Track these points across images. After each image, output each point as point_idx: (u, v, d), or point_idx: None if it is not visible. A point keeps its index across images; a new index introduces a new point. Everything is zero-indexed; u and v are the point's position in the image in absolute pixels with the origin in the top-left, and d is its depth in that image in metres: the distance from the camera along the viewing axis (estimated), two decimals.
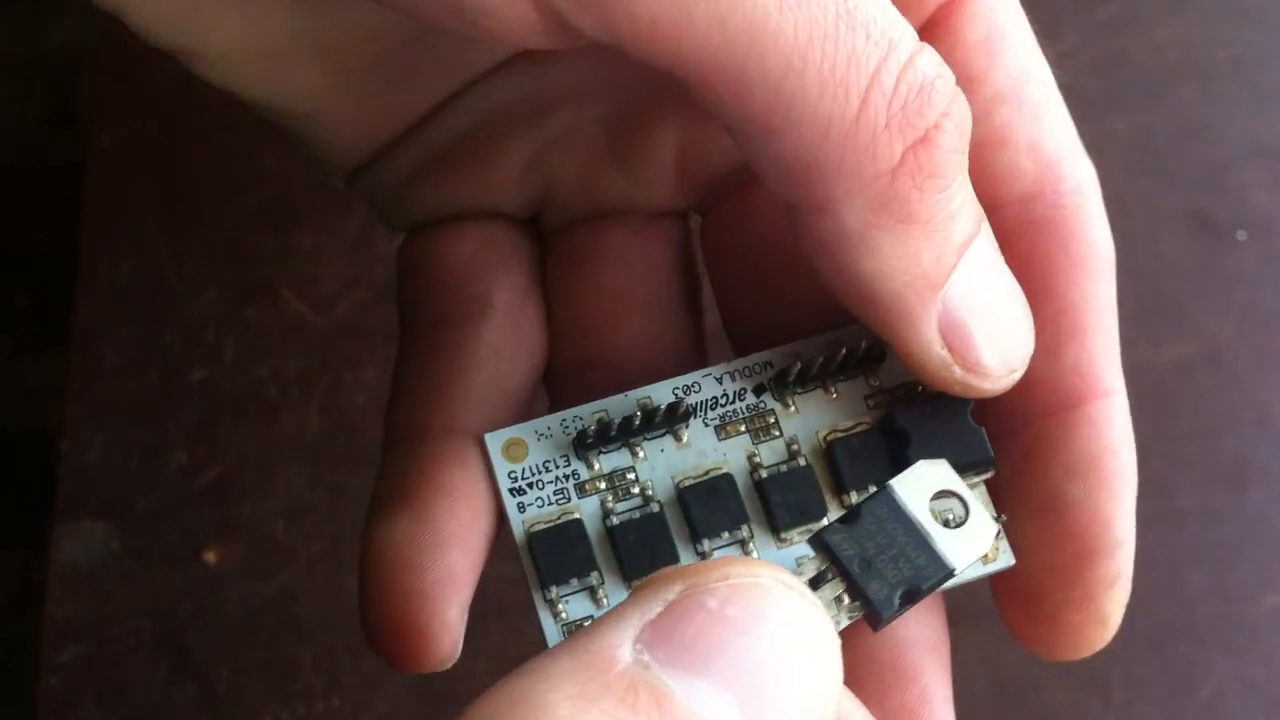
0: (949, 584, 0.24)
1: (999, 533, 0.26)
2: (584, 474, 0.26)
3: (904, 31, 0.23)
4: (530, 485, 0.26)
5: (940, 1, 0.26)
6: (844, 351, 0.26)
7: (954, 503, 0.24)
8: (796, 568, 0.23)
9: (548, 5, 0.22)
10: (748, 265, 0.29)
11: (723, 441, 0.26)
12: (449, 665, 0.25)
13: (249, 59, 0.26)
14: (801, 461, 0.26)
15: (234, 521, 0.42)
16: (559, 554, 0.25)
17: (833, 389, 0.26)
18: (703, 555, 0.25)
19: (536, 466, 0.26)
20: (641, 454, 0.26)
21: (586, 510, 0.25)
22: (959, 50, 0.24)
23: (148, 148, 0.47)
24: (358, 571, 0.26)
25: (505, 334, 0.28)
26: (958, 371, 0.24)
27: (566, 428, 0.26)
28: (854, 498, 0.26)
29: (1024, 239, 0.26)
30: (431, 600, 0.25)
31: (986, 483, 0.26)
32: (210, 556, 0.42)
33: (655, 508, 0.25)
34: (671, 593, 0.19)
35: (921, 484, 0.24)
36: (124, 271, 0.45)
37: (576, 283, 0.29)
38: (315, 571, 0.41)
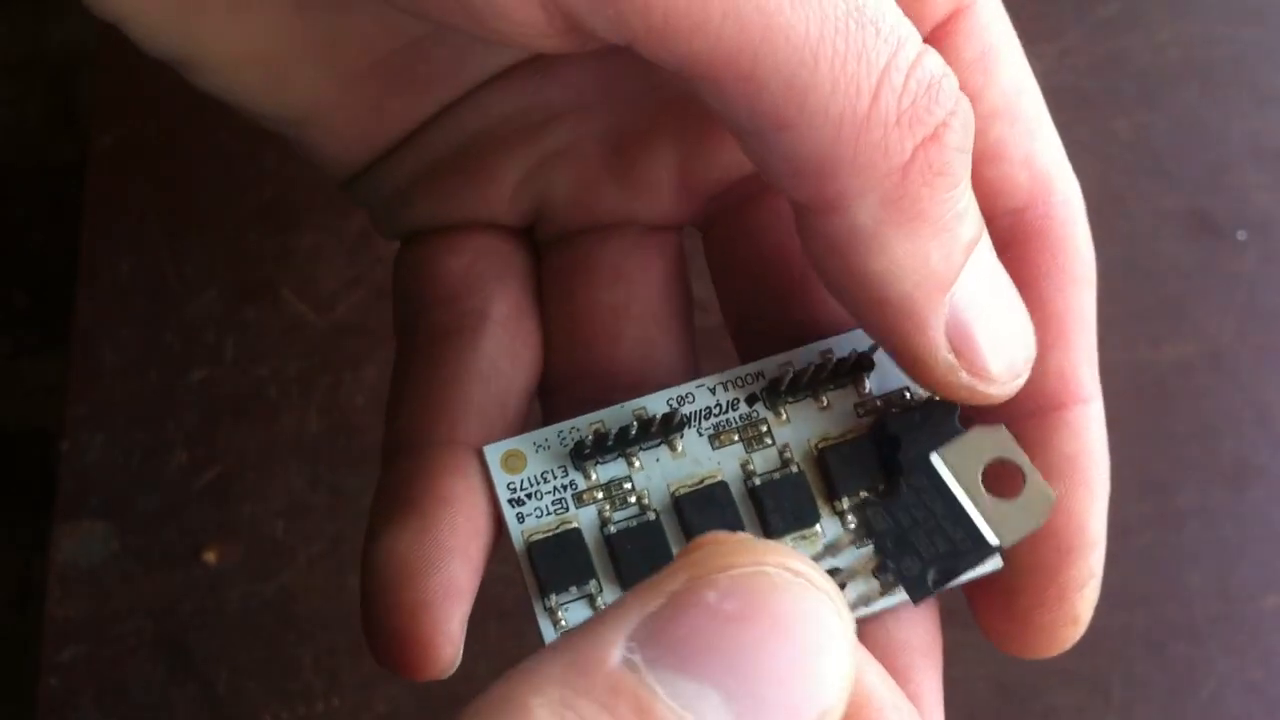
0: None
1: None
2: (581, 484, 0.26)
3: (910, 30, 0.23)
4: (529, 496, 0.26)
5: (936, 20, 0.27)
6: (834, 360, 0.26)
7: (1010, 471, 0.24)
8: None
9: (557, 3, 0.22)
10: (753, 279, 0.29)
11: (717, 450, 0.26)
12: (450, 674, 0.25)
13: (247, 67, 0.26)
14: (794, 469, 0.26)
15: (234, 521, 0.42)
16: (558, 563, 0.25)
17: (823, 397, 0.27)
18: None
19: (535, 477, 0.26)
20: (638, 464, 0.26)
21: (584, 519, 0.26)
22: (955, 67, 0.25)
23: (148, 148, 0.47)
24: (360, 581, 0.26)
25: (503, 346, 0.28)
26: (964, 376, 0.24)
27: (564, 439, 0.26)
28: (846, 504, 0.26)
29: (1014, 248, 0.26)
30: (433, 611, 0.25)
31: None
32: (210, 556, 0.42)
33: (652, 516, 0.26)
34: (675, 584, 0.19)
35: (974, 452, 0.23)
36: (124, 271, 0.45)
37: (572, 295, 0.29)
38: (315, 571, 0.41)
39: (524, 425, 0.27)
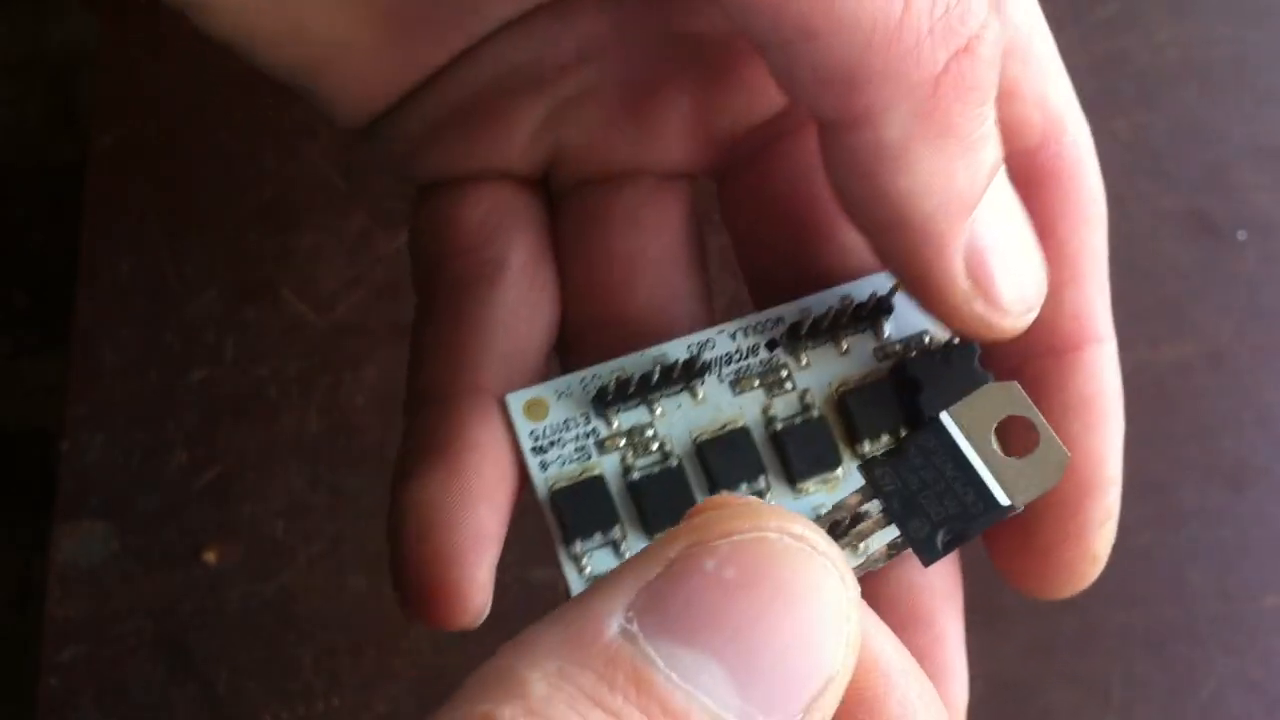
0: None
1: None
2: (604, 431, 0.26)
3: None
4: (552, 444, 0.26)
5: None
6: (853, 305, 0.26)
7: (1024, 429, 0.23)
8: (815, 514, 0.23)
9: None
10: (770, 227, 0.29)
11: (738, 396, 0.27)
12: (479, 623, 0.25)
13: (261, 9, 0.26)
14: (815, 413, 0.26)
15: (234, 521, 0.42)
16: (582, 509, 0.25)
17: (843, 342, 0.27)
18: None
19: (557, 425, 0.26)
20: (659, 410, 0.26)
21: (607, 467, 0.26)
22: None
23: (148, 148, 0.47)
24: (387, 531, 0.26)
25: (522, 295, 0.28)
26: (979, 305, 0.24)
27: (586, 386, 0.26)
28: (868, 447, 0.26)
29: (1028, 188, 0.26)
30: (463, 558, 0.25)
31: None
32: (210, 556, 0.42)
33: (674, 462, 0.26)
34: (673, 551, 0.19)
35: (986, 409, 0.23)
36: (124, 271, 0.45)
37: (588, 244, 0.29)
38: (315, 571, 0.41)
39: (544, 375, 0.27)
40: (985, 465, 0.23)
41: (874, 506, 0.23)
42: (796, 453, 0.26)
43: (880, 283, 0.27)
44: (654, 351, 0.27)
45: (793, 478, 0.26)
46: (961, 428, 0.23)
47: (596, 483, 0.26)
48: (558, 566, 0.25)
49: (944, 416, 0.23)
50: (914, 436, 0.23)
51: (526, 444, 0.26)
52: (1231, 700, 0.40)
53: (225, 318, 0.45)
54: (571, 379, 0.26)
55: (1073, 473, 0.26)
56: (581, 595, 0.19)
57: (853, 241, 0.27)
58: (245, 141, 0.47)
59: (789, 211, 0.28)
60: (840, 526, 0.23)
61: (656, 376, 0.26)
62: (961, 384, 0.25)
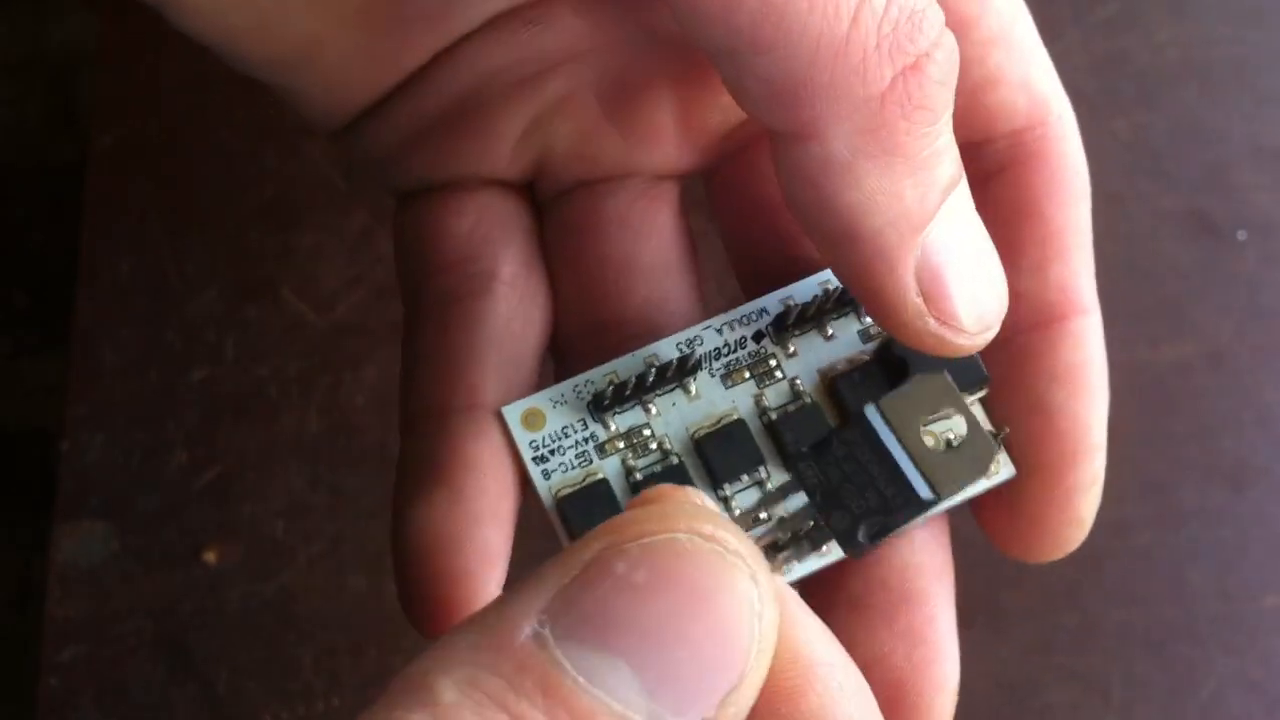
0: (958, 501, 0.23)
1: (1000, 449, 0.26)
2: (602, 435, 0.26)
3: None
4: (552, 452, 0.26)
5: None
6: (834, 290, 0.27)
7: (954, 421, 0.23)
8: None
9: None
10: (759, 221, 0.29)
11: (730, 389, 0.27)
12: None
13: (233, 7, 0.26)
14: (807, 399, 0.27)
15: (234, 521, 0.42)
16: (589, 514, 0.26)
17: (827, 328, 0.27)
18: (724, 500, 0.26)
19: (556, 433, 0.26)
20: (655, 410, 0.27)
21: (609, 469, 0.26)
22: None
23: (148, 148, 0.47)
24: (393, 552, 0.26)
25: (513, 307, 0.28)
26: (931, 323, 0.24)
27: (580, 392, 0.26)
28: None
29: (1014, 167, 0.27)
30: (471, 578, 0.25)
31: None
32: (210, 556, 0.42)
33: (675, 460, 0.26)
34: (589, 555, 0.19)
35: (915, 403, 0.23)
36: (124, 271, 0.45)
37: (580, 250, 0.29)
38: (315, 571, 0.41)
39: (539, 385, 0.28)
40: (909, 458, 0.23)
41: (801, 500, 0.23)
42: (793, 440, 0.26)
43: None
44: (644, 352, 0.27)
45: (791, 464, 0.26)
46: (890, 420, 0.23)
47: (600, 486, 0.26)
48: None
49: (869, 409, 0.23)
50: (838, 430, 0.23)
51: (528, 455, 0.26)
52: (1231, 700, 0.40)
53: (226, 317, 0.45)
54: (565, 386, 0.27)
55: (1059, 440, 0.26)
56: (499, 599, 0.19)
57: None
58: (246, 140, 0.47)
59: (777, 205, 0.28)
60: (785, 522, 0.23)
61: (650, 377, 0.26)
62: (946, 360, 0.25)
